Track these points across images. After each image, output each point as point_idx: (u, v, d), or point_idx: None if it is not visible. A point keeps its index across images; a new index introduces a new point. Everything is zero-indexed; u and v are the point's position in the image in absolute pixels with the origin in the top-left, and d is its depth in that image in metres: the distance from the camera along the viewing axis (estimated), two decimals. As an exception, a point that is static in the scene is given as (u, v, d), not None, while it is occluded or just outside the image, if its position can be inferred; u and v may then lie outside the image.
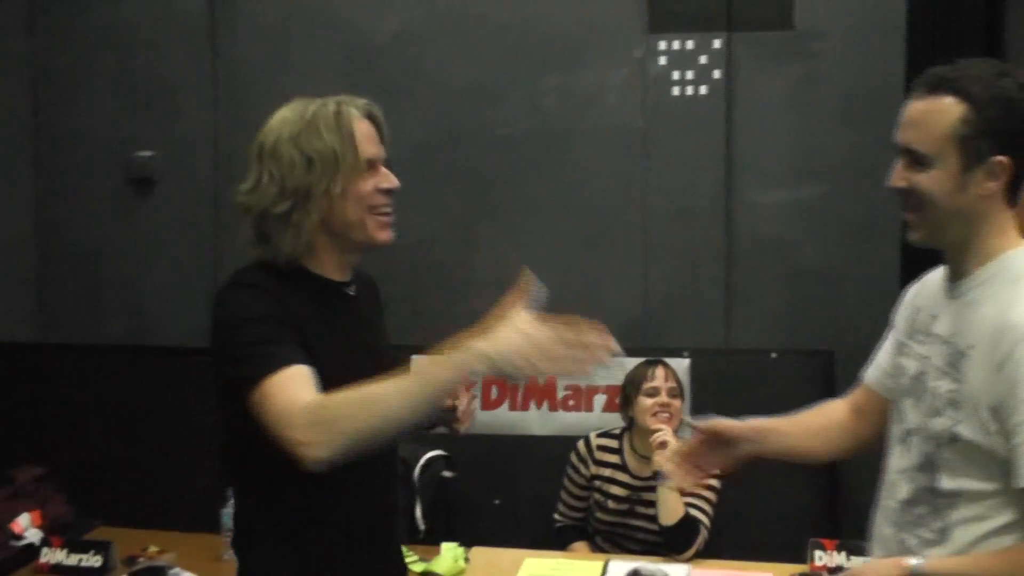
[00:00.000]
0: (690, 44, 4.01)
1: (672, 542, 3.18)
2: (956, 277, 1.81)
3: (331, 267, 1.97)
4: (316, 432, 1.63)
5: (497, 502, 3.78)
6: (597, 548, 3.40)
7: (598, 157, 4.08)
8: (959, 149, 1.71)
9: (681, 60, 4.02)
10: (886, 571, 1.76)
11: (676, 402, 3.37)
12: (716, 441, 2.11)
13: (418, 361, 1.75)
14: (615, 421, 3.61)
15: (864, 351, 2.14)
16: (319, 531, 1.91)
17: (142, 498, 3.83)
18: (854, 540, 2.93)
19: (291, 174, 1.87)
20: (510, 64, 4.12)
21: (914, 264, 2.80)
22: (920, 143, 1.73)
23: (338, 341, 1.92)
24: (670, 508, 3.18)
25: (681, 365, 3.75)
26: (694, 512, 3.22)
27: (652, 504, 3.24)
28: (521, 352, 1.59)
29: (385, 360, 2.06)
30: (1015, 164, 1.72)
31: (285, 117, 1.92)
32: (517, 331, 1.61)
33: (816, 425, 2.16)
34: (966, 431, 1.69)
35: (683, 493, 3.23)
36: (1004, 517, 1.68)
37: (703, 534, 3.21)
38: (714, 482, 3.34)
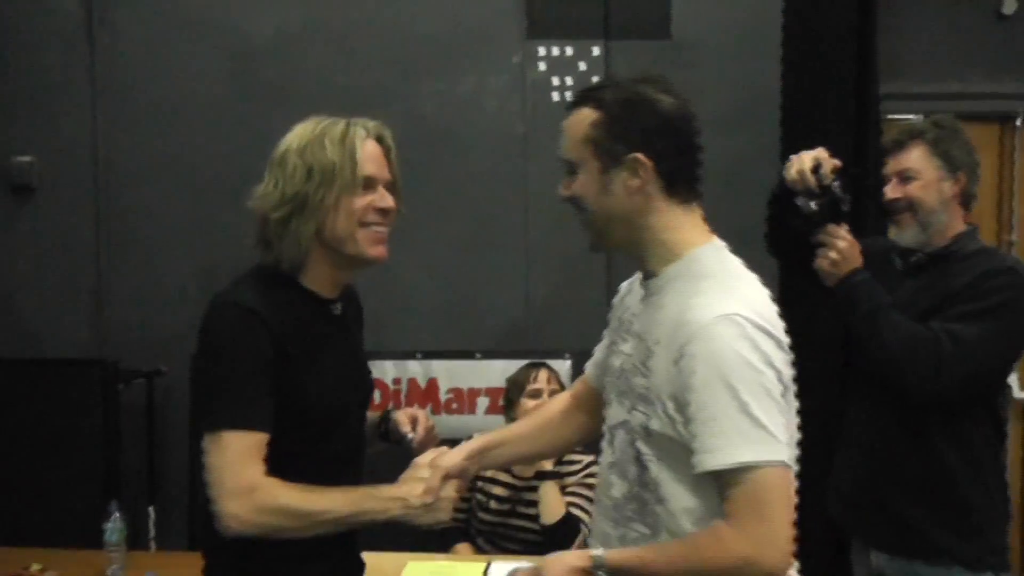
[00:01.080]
0: (569, 51, 4.08)
1: (553, 541, 3.24)
2: (646, 277, 1.86)
3: (322, 282, 2.04)
4: (258, 515, 1.85)
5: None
6: (479, 549, 3.44)
7: (479, 162, 4.13)
8: (594, 152, 1.77)
9: (560, 66, 4.09)
10: (571, 562, 1.77)
11: (557, 404, 3.45)
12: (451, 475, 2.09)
13: (358, 494, 1.96)
14: (498, 423, 3.67)
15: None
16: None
17: (23, 515, 3.78)
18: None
19: (291, 182, 1.96)
20: (390, 69, 4.14)
21: (791, 269, 2.92)
22: (567, 151, 1.81)
23: (319, 362, 2.00)
24: (551, 507, 3.25)
25: (563, 367, 3.83)
26: (575, 511, 3.30)
27: (534, 504, 3.31)
28: (428, 507, 1.96)
29: (363, 379, 2.19)
30: (655, 161, 1.75)
31: (300, 131, 2.02)
32: (431, 488, 1.96)
33: (536, 427, 2.26)
34: (656, 424, 1.73)
35: (564, 491, 3.32)
36: (702, 505, 1.71)
37: (584, 532, 3.29)
38: (595, 480, 3.43)
